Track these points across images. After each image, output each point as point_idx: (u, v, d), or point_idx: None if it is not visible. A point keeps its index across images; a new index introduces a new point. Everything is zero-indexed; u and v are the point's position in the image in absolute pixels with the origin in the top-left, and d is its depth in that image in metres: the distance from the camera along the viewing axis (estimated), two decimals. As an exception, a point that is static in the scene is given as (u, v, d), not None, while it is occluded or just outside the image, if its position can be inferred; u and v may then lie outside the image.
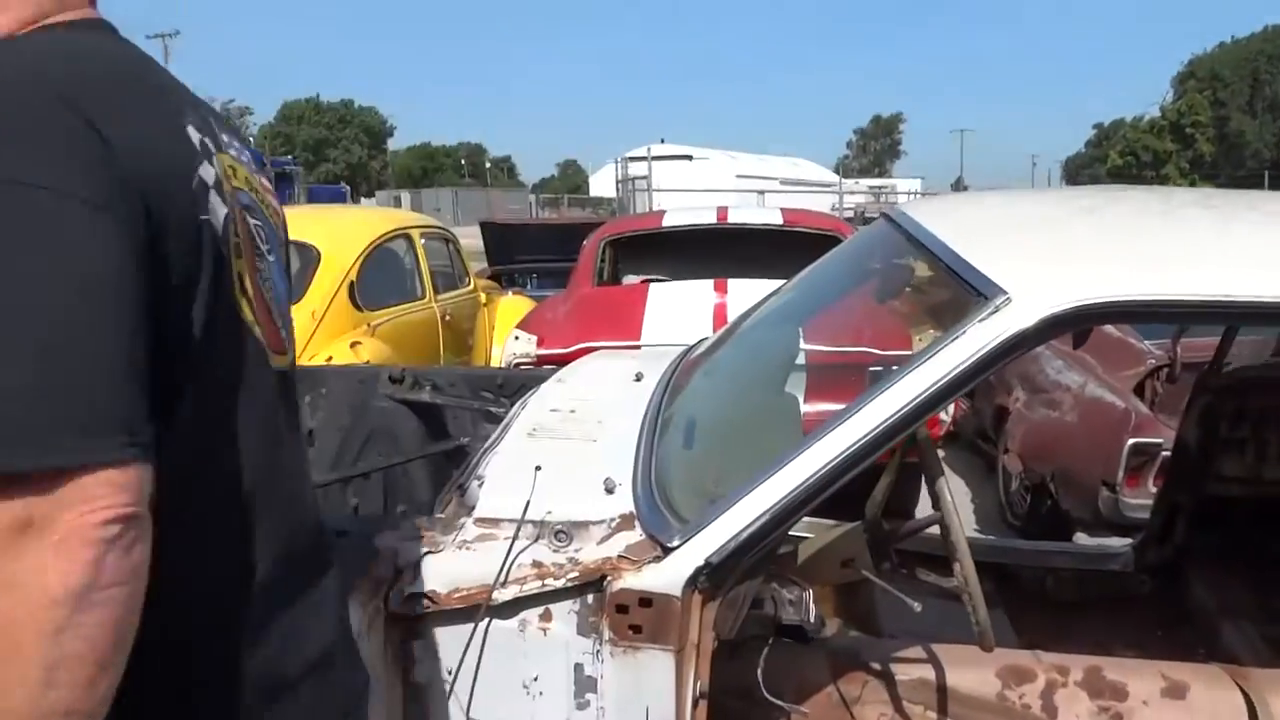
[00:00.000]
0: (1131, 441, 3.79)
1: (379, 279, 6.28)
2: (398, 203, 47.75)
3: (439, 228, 7.64)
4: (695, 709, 1.66)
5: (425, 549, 1.74)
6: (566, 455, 2.01)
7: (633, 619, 1.61)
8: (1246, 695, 2.24)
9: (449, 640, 1.69)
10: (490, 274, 10.32)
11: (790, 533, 2.60)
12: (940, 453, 6.36)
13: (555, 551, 1.71)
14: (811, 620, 1.83)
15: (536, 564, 1.69)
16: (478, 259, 10.97)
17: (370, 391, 3.04)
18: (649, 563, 1.63)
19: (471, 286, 7.66)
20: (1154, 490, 3.84)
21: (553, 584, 1.65)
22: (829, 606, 2.96)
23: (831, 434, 1.63)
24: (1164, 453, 3.80)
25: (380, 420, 2.98)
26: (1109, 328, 4.65)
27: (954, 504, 1.81)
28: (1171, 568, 3.09)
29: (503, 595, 1.66)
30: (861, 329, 3.87)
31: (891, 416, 1.63)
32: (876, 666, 2.34)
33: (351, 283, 5.93)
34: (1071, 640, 2.94)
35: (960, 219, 2.30)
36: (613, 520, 1.73)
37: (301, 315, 5.63)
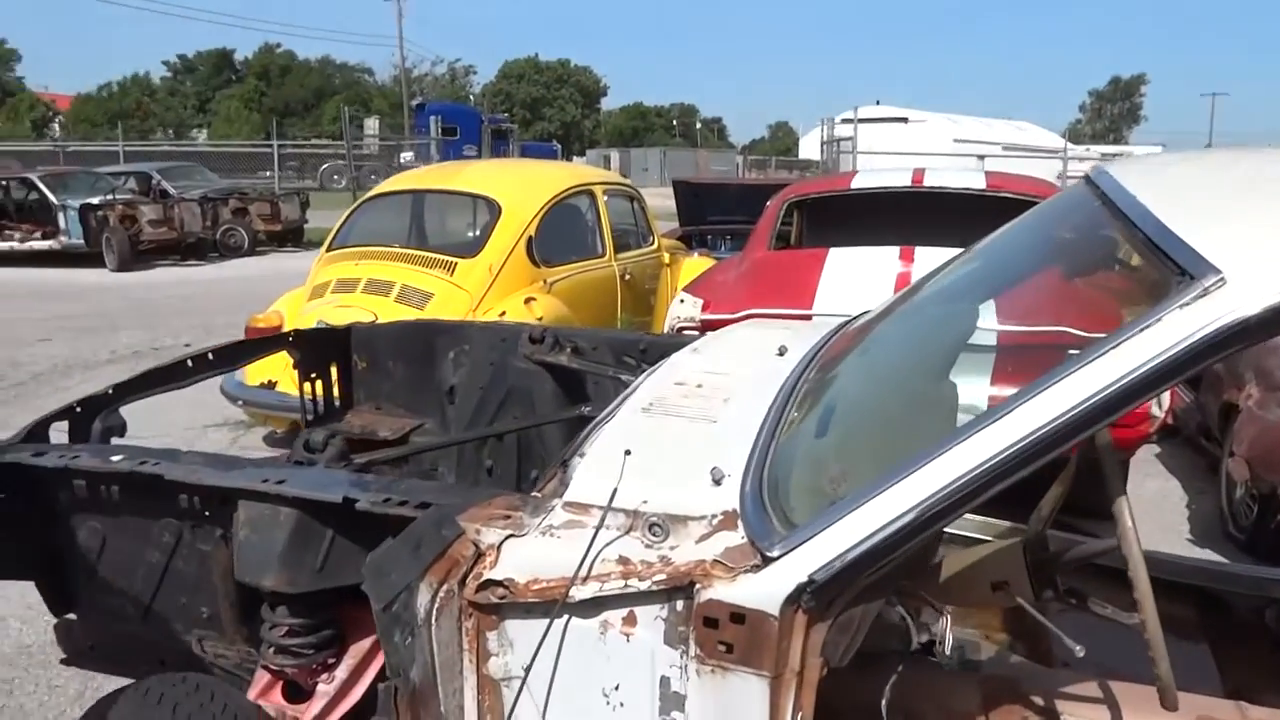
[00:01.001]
0: (1392, 456, 3.18)
1: (559, 235, 6.24)
2: (607, 162, 48.52)
3: (624, 184, 7.54)
4: (796, 744, 1.44)
5: (509, 532, 1.59)
6: (680, 436, 1.80)
7: (723, 635, 1.39)
8: None
9: (526, 634, 1.53)
10: (680, 235, 10.16)
11: (945, 532, 2.29)
12: (1155, 449, 5.68)
13: (647, 547, 1.51)
14: (948, 653, 1.55)
15: (623, 560, 1.50)
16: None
17: (510, 351, 2.94)
18: (745, 572, 1.41)
19: (655, 246, 7.52)
20: None
21: (637, 585, 1.46)
22: (994, 622, 2.62)
23: (980, 433, 1.34)
24: None
25: (518, 380, 2.87)
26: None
27: (1136, 532, 1.47)
28: None
29: (581, 592, 1.48)
30: (1055, 306, 3.43)
31: (1060, 417, 1.32)
32: (1039, 701, 2.02)
33: (530, 238, 5.91)
34: (1290, 690, 2.47)
35: (1171, 179, 1.90)
36: (715, 517, 1.52)
37: (478, 269, 5.68)
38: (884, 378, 2.11)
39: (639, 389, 2.08)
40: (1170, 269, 1.37)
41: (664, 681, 1.47)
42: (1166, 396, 3.77)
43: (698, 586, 1.41)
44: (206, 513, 1.92)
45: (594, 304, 6.27)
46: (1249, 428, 4.02)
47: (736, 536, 1.46)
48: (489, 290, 5.60)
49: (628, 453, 1.59)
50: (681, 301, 4.38)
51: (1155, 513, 4.75)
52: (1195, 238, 1.38)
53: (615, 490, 1.52)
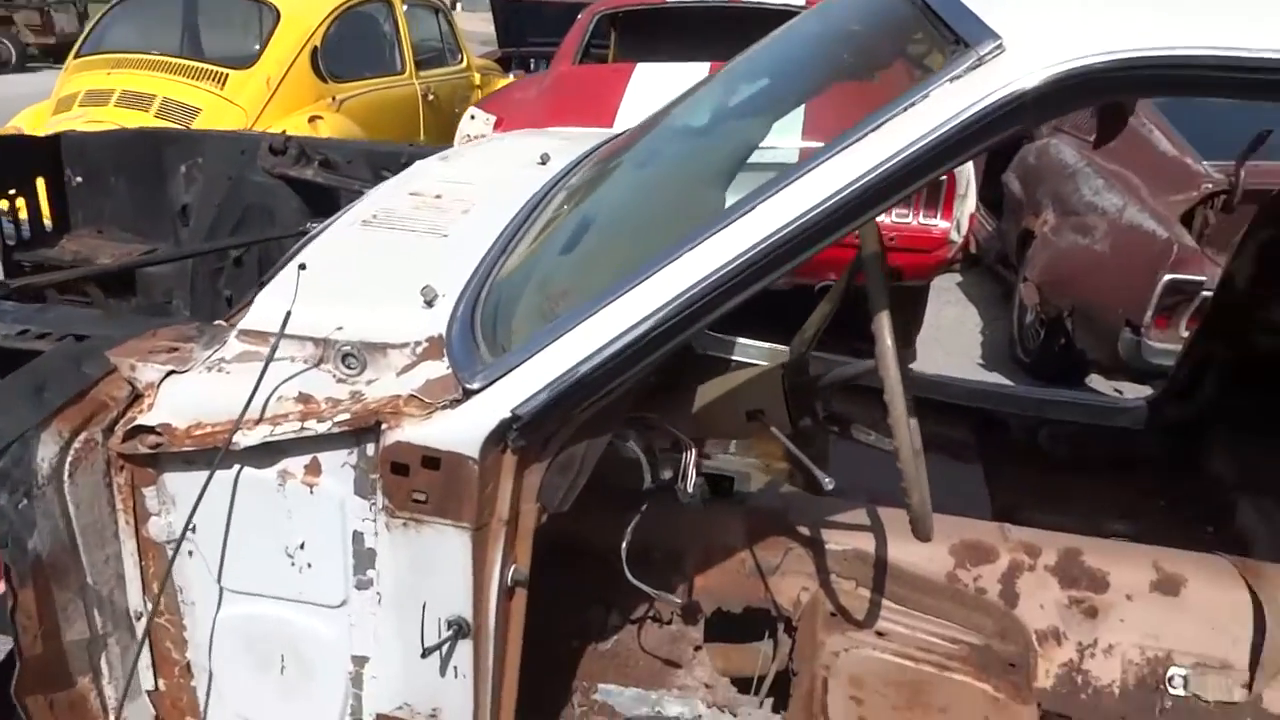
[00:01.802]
0: (1168, 277, 3.23)
1: (349, 47, 5.62)
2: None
3: (425, -6, 6.87)
4: (509, 600, 1.25)
5: (171, 367, 1.29)
6: (400, 251, 1.51)
7: (415, 483, 1.16)
8: (1254, 595, 1.81)
9: (190, 489, 1.26)
10: (499, 56, 9.50)
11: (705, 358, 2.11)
12: (957, 278, 5.75)
13: (339, 382, 1.25)
14: (690, 490, 1.38)
15: (304, 397, 1.23)
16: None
17: (250, 164, 2.53)
18: (442, 409, 1.17)
19: (464, 65, 6.96)
20: (1185, 335, 3.31)
21: (316, 427, 1.20)
22: (776, 450, 2.53)
23: (711, 240, 1.12)
24: (1205, 293, 3.24)
25: (257, 197, 2.49)
26: (1162, 141, 3.98)
27: (895, 351, 1.31)
28: (1191, 429, 2.61)
29: (249, 438, 1.21)
30: (847, 111, 3.27)
31: (807, 214, 1.10)
32: (804, 532, 1.92)
33: (315, 49, 5.29)
34: (1057, 508, 2.50)
35: None
36: (420, 345, 1.26)
37: (254, 83, 5.05)
38: (646, 191, 1.86)
39: (366, 198, 1.77)
40: (946, 38, 1.15)
41: (357, 538, 1.24)
42: (965, 221, 3.72)
43: (385, 427, 1.17)
44: None
45: (391, 126, 5.74)
46: (1042, 253, 4.06)
47: (440, 367, 1.22)
48: (266, 106, 5.01)
49: (302, 267, 1.30)
50: (472, 118, 3.98)
51: (951, 339, 4.84)
52: (978, 2, 1.17)
53: (289, 314, 1.23)
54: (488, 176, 1.87)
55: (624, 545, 1.42)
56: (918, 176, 1.09)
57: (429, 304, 1.30)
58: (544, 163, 1.94)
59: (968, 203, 3.69)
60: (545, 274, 1.46)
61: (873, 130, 1.09)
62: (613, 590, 1.94)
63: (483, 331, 1.24)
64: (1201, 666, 1.80)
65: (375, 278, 1.43)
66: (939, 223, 3.63)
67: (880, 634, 1.83)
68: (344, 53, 5.52)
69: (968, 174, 3.69)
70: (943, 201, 3.61)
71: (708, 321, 1.12)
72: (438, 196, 1.74)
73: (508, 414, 1.12)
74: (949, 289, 5.80)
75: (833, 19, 2.04)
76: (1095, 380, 4.19)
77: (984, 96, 1.05)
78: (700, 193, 1.92)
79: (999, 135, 1.08)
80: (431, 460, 1.14)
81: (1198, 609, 1.84)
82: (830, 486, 1.38)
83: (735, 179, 2.04)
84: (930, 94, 1.08)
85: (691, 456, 1.36)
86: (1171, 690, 1.81)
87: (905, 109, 1.08)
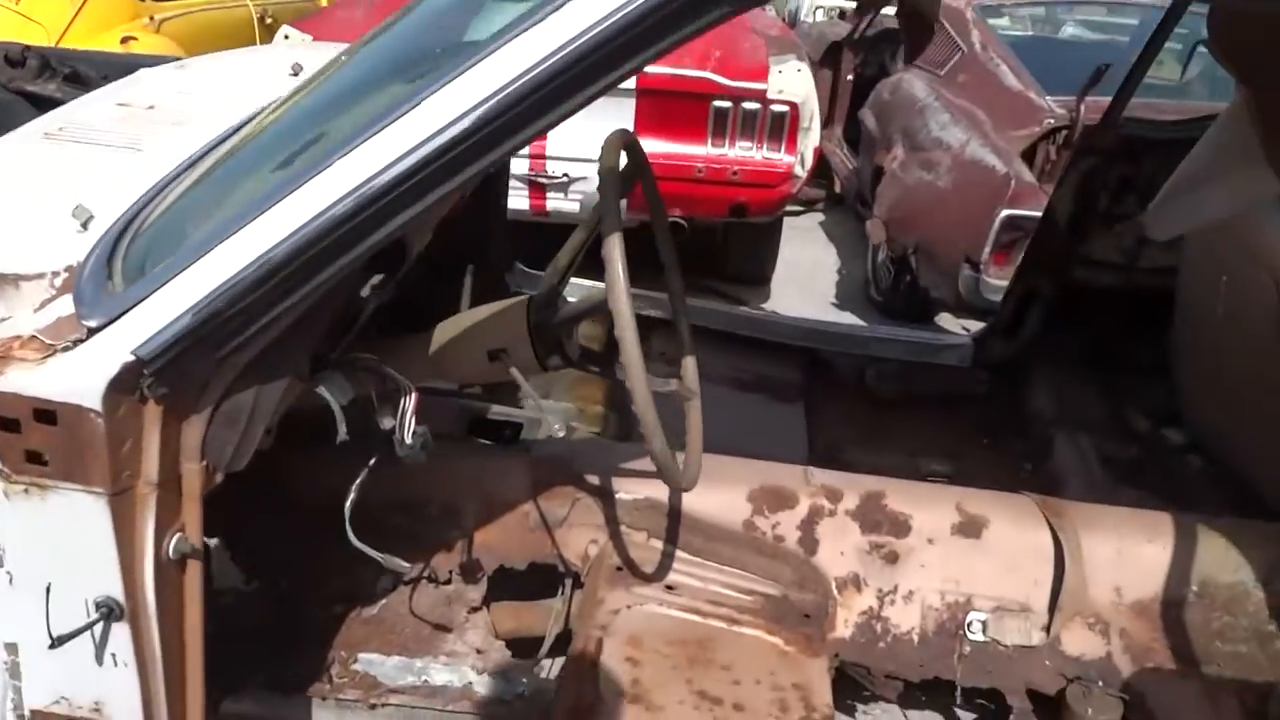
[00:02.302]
0: (1005, 213, 3.19)
1: (170, -40, 5.15)
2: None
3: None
4: (178, 575, 1.06)
5: None
6: (74, 168, 1.28)
7: (29, 442, 0.96)
8: (1056, 536, 1.75)
9: None
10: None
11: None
12: (820, 218, 5.67)
13: None
14: (408, 440, 1.21)
15: None
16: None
17: (-15, 77, 2.21)
18: (62, 351, 0.96)
19: (309, -12, 6.50)
20: (1022, 272, 3.28)
21: None
22: (596, 394, 2.38)
23: (371, 142, 0.93)
24: (1043, 228, 3.22)
25: (-8, 116, 2.17)
26: (1008, 76, 3.93)
27: (625, 280, 1.14)
28: (1015, 366, 2.57)
29: None
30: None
31: (468, 116, 0.91)
32: (593, 481, 1.78)
33: (129, -39, 4.83)
34: (880, 447, 2.43)
35: None
36: (59, 275, 1.04)
37: (59, -2, 4.58)
38: (329, 102, 1.60)
39: (63, 108, 1.52)
40: None
41: None
42: (810, 155, 3.61)
43: None
44: None
45: (219, 50, 5.30)
46: (889, 190, 3.99)
47: (71, 303, 1.01)
48: (71, 24, 4.54)
49: None
50: (286, 37, 3.66)
51: (807, 280, 4.76)
52: None
53: None
54: (219, 88, 1.63)
55: (347, 503, 1.24)
56: (601, 71, 0.90)
57: (84, 227, 1.08)
58: (295, 74, 1.71)
59: (811, 136, 3.58)
60: (205, 195, 1.24)
61: (542, 19, 0.89)
62: (385, 550, 1.77)
63: (128, 261, 1.03)
64: (1000, 610, 1.74)
65: (33, 198, 1.20)
66: (783, 157, 3.51)
67: (670, 588, 1.71)
68: (166, -34, 5.06)
69: (812, 107, 3.57)
70: (786, 135, 3.49)
71: (375, 242, 0.94)
72: (150, 108, 1.51)
73: (130, 357, 0.93)
74: (811, 229, 5.73)
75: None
76: (945, 319, 4.17)
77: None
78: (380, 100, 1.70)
79: (694, 23, 0.89)
80: (45, 414, 0.94)
81: (999, 551, 1.77)
82: (560, 432, 1.23)
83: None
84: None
85: (410, 402, 1.19)
86: (971, 636, 1.74)
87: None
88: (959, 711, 2.03)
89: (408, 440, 1.18)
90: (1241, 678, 1.65)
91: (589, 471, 1.77)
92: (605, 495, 1.76)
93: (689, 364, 1.56)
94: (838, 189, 5.87)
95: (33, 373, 0.94)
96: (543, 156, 3.51)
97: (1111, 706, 1.66)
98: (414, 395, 1.18)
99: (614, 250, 1.10)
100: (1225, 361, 1.97)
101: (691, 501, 1.77)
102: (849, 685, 1.78)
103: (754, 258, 4.29)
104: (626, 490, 1.77)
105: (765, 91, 3.41)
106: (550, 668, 1.72)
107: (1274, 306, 1.74)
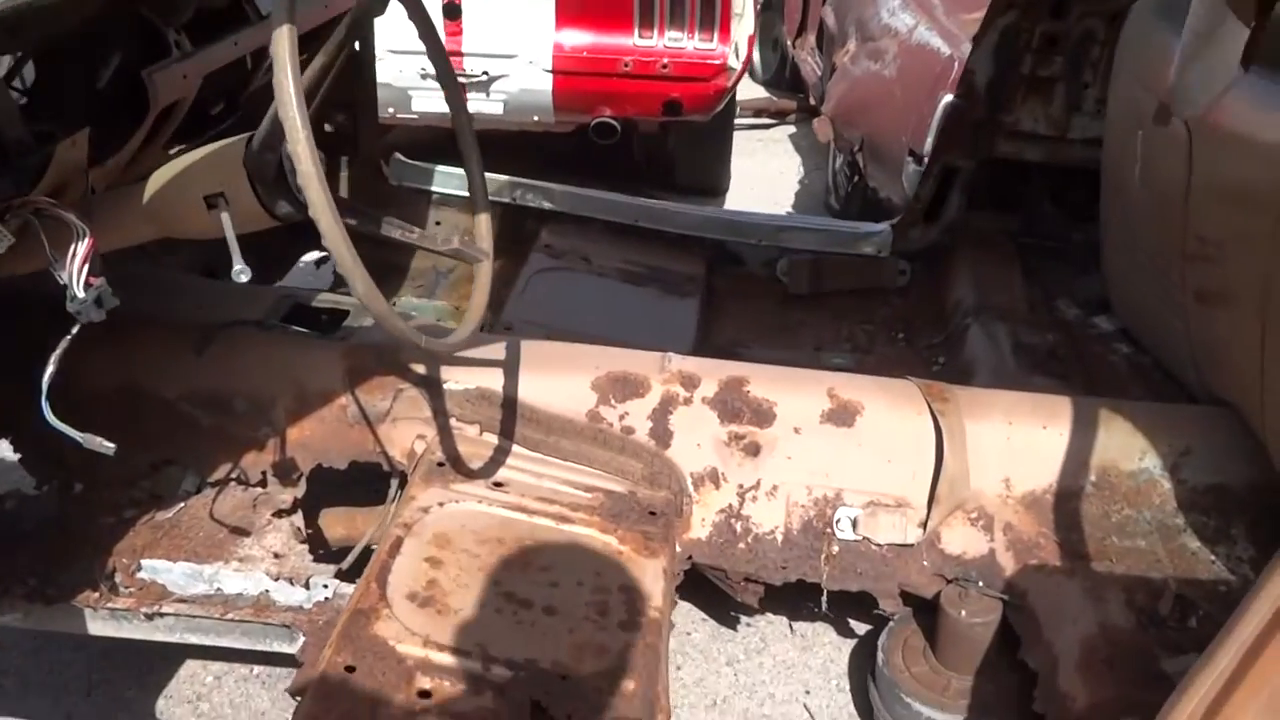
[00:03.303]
0: (948, 99, 2.94)
1: None
2: None
3: None
4: None
5: None
6: None
7: None
8: (937, 421, 1.56)
9: None
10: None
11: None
12: (790, 130, 5.38)
13: None
14: (79, 295, 1.02)
15: None
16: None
17: None
18: None
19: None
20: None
21: None
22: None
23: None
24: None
25: None
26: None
27: (296, 82, 0.94)
28: (937, 253, 2.36)
29: None
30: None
31: None
32: (420, 371, 1.60)
33: None
34: (785, 343, 2.24)
35: None
36: None
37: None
38: None
39: None
40: None
41: None
42: (744, 45, 3.36)
43: None
44: None
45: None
46: (838, 85, 3.74)
47: None
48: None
49: None
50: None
51: (768, 189, 4.53)
52: None
53: None
54: None
55: (45, 377, 1.06)
56: None
57: None
58: None
59: (745, 23, 3.32)
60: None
61: None
62: (189, 449, 1.60)
63: None
64: (874, 506, 1.56)
65: None
66: (715, 46, 3.26)
67: (498, 484, 1.54)
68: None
69: (745, -7, 3.31)
70: (719, 23, 3.23)
71: None
72: None
73: None
74: (780, 140, 5.48)
75: None
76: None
77: None
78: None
79: None
80: None
81: (874, 441, 1.58)
82: (242, 275, 1.04)
83: None
84: None
85: (83, 248, 1.00)
86: (839, 534, 1.56)
87: None
88: (851, 620, 1.86)
89: (79, 294, 1.00)
90: (1136, 574, 1.46)
91: (415, 361, 1.59)
92: (432, 385, 1.59)
93: (482, 220, 1.37)
94: (812, 101, 5.59)
95: None
96: (459, 54, 3.28)
97: (990, 608, 1.49)
98: (87, 240, 0.99)
99: (282, 46, 0.89)
100: (1141, 231, 1.75)
101: (531, 391, 1.60)
102: (784, 602, 1.61)
103: (703, 167, 4.06)
104: (456, 380, 1.60)
105: (693, -27, 3.17)
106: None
107: (1185, 156, 1.53)
